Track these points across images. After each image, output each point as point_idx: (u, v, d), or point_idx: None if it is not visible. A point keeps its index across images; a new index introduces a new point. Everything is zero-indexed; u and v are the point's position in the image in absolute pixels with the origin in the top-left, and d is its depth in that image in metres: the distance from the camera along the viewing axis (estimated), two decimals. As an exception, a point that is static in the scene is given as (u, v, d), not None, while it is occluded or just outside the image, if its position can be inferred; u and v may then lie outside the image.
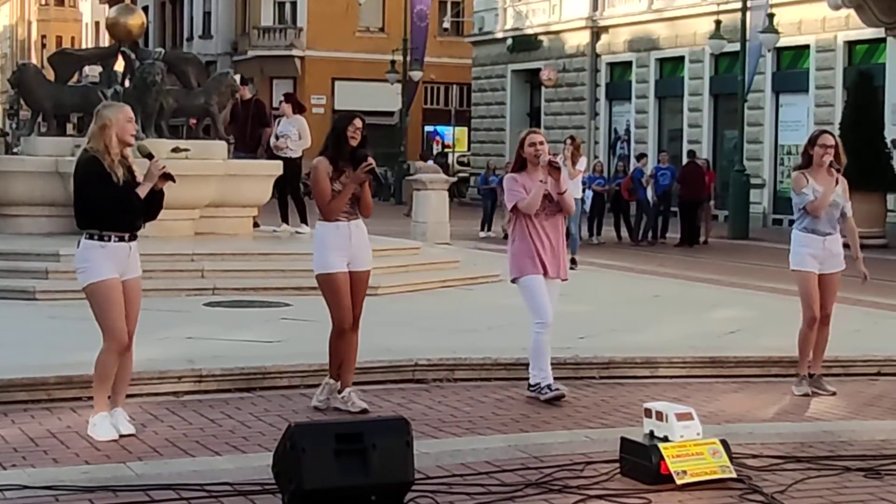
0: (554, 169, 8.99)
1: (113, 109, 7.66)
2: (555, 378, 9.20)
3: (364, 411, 8.41)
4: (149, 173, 7.66)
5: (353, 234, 8.50)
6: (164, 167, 7.66)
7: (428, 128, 58.14)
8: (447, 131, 57.22)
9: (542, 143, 9.13)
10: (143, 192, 7.58)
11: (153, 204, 7.75)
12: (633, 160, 32.30)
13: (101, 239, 7.57)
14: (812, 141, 9.80)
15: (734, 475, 6.79)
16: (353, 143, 8.41)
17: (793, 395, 9.69)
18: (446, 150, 57.01)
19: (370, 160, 8.40)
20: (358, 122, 8.46)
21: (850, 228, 9.91)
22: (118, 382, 7.80)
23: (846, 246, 9.84)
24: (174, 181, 7.71)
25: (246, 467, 6.87)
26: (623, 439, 7.02)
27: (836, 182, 9.71)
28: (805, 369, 9.84)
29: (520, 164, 9.21)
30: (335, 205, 8.40)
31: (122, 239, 7.61)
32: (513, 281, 9.29)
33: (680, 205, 27.70)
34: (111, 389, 7.75)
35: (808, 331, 9.81)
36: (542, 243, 9.09)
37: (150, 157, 7.76)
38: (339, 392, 8.59)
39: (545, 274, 9.10)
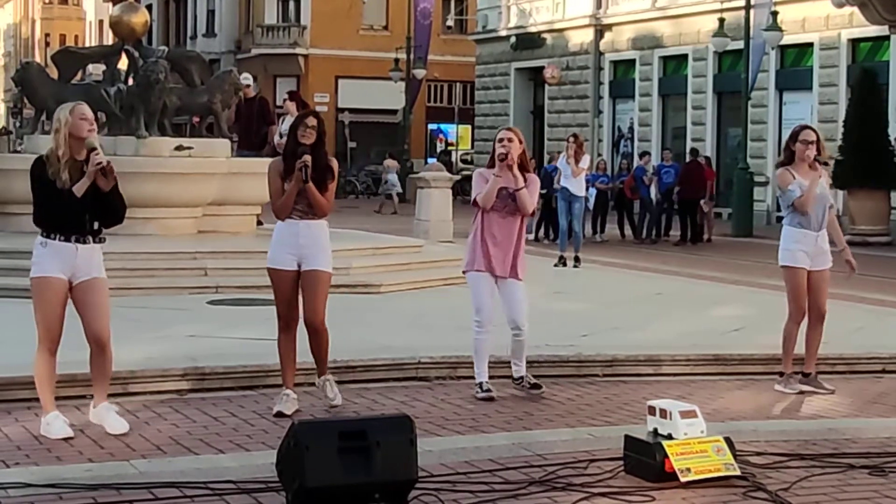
0: (503, 163, 8.99)
1: (64, 110, 7.57)
2: (558, 376, 9.20)
3: (279, 415, 8.25)
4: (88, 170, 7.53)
5: (301, 233, 8.44)
6: (100, 162, 7.44)
7: (431, 125, 58.12)
8: (450, 129, 57.24)
9: (510, 139, 9.12)
10: (78, 190, 7.44)
11: (107, 205, 7.60)
12: (636, 158, 32.31)
13: (46, 237, 7.59)
14: (794, 136, 9.81)
15: (738, 473, 6.78)
16: (305, 140, 8.33)
17: (782, 393, 9.64)
18: (450, 147, 57.05)
19: (305, 158, 8.29)
20: (310, 121, 8.41)
21: (832, 219, 9.86)
22: (94, 380, 7.77)
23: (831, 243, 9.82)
24: (107, 176, 7.43)
25: (249, 465, 6.86)
26: (627, 437, 7.01)
27: (820, 175, 9.70)
28: (791, 367, 9.80)
29: (492, 161, 9.25)
30: (282, 204, 8.41)
31: (67, 240, 7.55)
32: (463, 272, 9.40)
33: (679, 203, 27.63)
34: (94, 388, 7.76)
35: (794, 327, 9.78)
36: (493, 241, 9.10)
37: (92, 150, 7.52)
38: (319, 377, 8.60)
39: (491, 271, 9.09)
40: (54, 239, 7.56)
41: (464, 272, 9.38)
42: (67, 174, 7.48)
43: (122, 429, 7.64)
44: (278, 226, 8.54)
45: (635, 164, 30.04)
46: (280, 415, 8.22)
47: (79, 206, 7.50)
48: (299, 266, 8.43)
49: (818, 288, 9.75)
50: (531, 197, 9.17)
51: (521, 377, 9.29)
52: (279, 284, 8.48)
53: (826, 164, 9.77)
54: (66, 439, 7.44)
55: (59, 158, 7.48)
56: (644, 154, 31.49)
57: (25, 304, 12.22)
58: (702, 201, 28.10)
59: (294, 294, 8.47)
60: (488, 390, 9.07)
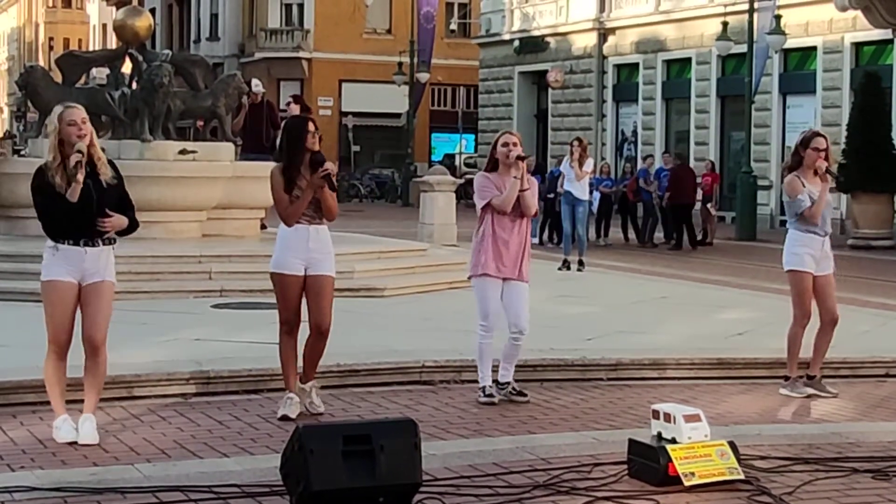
0: (520, 162, 9.00)
1: (53, 115, 7.57)
2: (563, 380, 9.20)
3: (285, 418, 8.26)
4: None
5: (311, 238, 8.43)
6: (75, 161, 7.38)
7: (435, 135, 57.90)
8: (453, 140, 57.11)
9: (515, 143, 9.13)
10: (71, 195, 7.42)
11: (119, 209, 7.65)
12: (639, 161, 32.24)
13: (54, 242, 7.61)
14: (805, 143, 9.68)
15: (742, 477, 6.78)
16: (314, 147, 8.35)
17: (788, 397, 9.64)
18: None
19: (327, 166, 8.31)
20: (312, 126, 8.42)
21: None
22: (86, 388, 7.74)
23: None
24: (78, 174, 7.38)
25: (254, 469, 6.87)
26: (631, 441, 7.01)
27: (827, 183, 9.69)
28: (796, 371, 9.79)
29: (492, 165, 9.23)
30: (293, 211, 8.36)
31: (75, 243, 7.57)
32: (469, 278, 9.33)
33: (669, 208, 27.38)
34: (85, 394, 7.73)
35: (799, 331, 9.77)
36: (504, 244, 9.09)
37: (79, 152, 7.47)
38: (307, 383, 8.56)
39: (504, 275, 9.09)
40: (63, 244, 7.57)
41: (470, 277, 9.32)
42: (62, 179, 7.47)
43: (92, 440, 7.51)
44: (285, 231, 8.46)
45: (639, 167, 29.96)
46: (285, 418, 8.23)
47: (81, 210, 7.49)
48: (305, 271, 8.44)
49: (825, 292, 9.75)
50: (533, 198, 9.20)
51: (508, 382, 9.23)
52: (286, 289, 8.45)
53: (835, 176, 9.72)
54: (72, 443, 7.45)
55: (51, 165, 7.49)
56: (647, 157, 31.43)
57: (30, 307, 12.28)
58: (708, 204, 28.04)
59: (300, 298, 8.48)
60: (491, 395, 9.07)
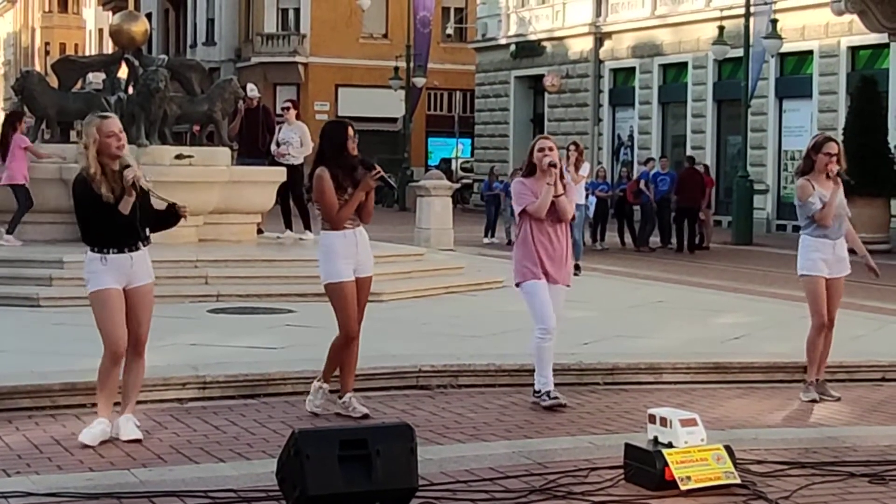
0: (552, 168, 9.04)
1: (91, 126, 7.59)
2: (559, 384, 9.19)
3: (366, 416, 8.42)
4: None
5: (358, 242, 8.52)
6: (132, 177, 7.50)
7: (431, 140, 57.95)
8: (450, 144, 57.19)
9: (551, 148, 9.16)
10: (124, 207, 7.51)
11: (161, 216, 7.86)
12: (636, 165, 32.24)
13: (100, 253, 7.65)
14: (817, 147, 9.71)
15: (738, 481, 6.78)
16: (355, 151, 8.42)
17: (801, 400, 9.67)
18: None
19: (378, 168, 8.40)
20: (351, 131, 8.49)
21: (849, 228, 9.88)
22: (126, 388, 7.83)
23: (851, 251, 9.84)
24: (138, 191, 7.52)
25: (250, 474, 6.87)
26: (627, 445, 7.01)
27: (839, 187, 9.69)
28: (814, 375, 9.82)
29: (529, 170, 9.24)
30: (344, 214, 8.41)
31: (120, 251, 7.64)
32: (517, 285, 9.31)
33: (677, 211, 27.51)
34: (124, 395, 7.82)
35: (816, 336, 9.78)
36: (545, 249, 9.09)
37: (126, 167, 7.56)
38: (340, 397, 8.60)
39: (548, 279, 9.10)
40: (108, 253, 7.63)
41: (518, 284, 9.25)
42: (108, 189, 7.52)
43: (138, 435, 7.67)
44: (331, 238, 8.46)
45: (640, 170, 29.94)
46: (366, 417, 8.39)
47: (131, 220, 7.59)
48: (354, 273, 8.49)
49: (832, 296, 9.78)
50: (570, 204, 9.24)
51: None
52: (348, 297, 8.44)
53: (846, 179, 9.72)
54: (85, 446, 7.46)
55: (94, 176, 7.51)
56: (649, 160, 31.30)
57: (26, 312, 12.31)
58: (708, 208, 28.10)
59: (357, 302, 8.50)
60: (556, 397, 9.04)
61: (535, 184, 9.14)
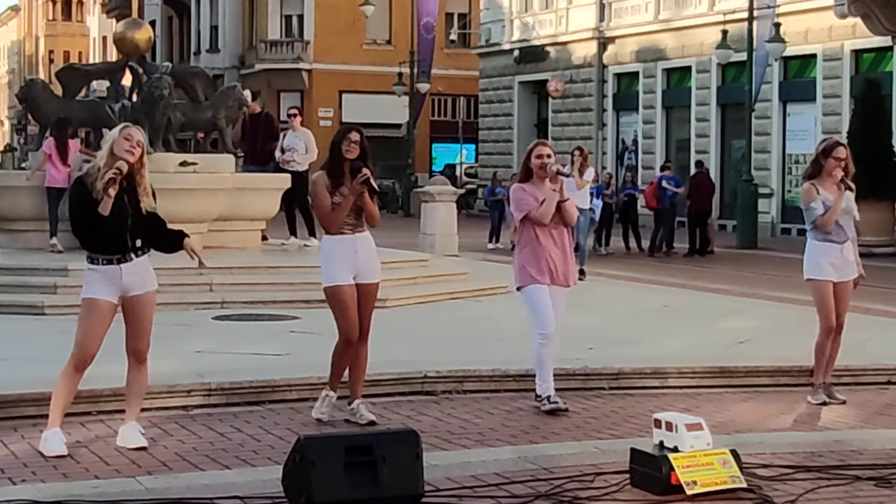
0: (561, 177, 9.05)
1: (116, 129, 7.65)
2: (564, 389, 9.19)
3: (372, 423, 8.41)
4: None
5: (358, 247, 8.50)
6: (110, 175, 7.41)
7: (436, 146, 57.89)
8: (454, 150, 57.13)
9: (549, 155, 9.16)
10: (103, 208, 7.42)
11: (162, 234, 7.81)
12: (640, 170, 32.22)
13: (92, 262, 7.65)
14: (826, 151, 9.71)
15: (744, 485, 6.77)
16: (349, 155, 8.38)
17: (809, 404, 9.66)
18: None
19: (365, 171, 8.35)
20: (354, 136, 8.44)
21: (852, 236, 9.88)
22: (129, 396, 7.82)
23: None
24: (110, 188, 7.42)
25: (256, 481, 6.86)
26: (633, 450, 7.00)
27: (845, 192, 9.68)
28: (822, 378, 9.81)
29: (526, 174, 9.24)
30: (335, 217, 8.40)
31: (110, 262, 7.60)
32: (518, 289, 9.31)
33: (689, 215, 27.61)
34: (128, 403, 7.80)
35: (825, 340, 9.79)
36: (550, 252, 9.10)
37: (119, 170, 7.51)
38: (349, 404, 8.60)
39: (552, 281, 9.10)
40: (98, 262, 7.61)
41: (519, 288, 9.26)
42: (100, 186, 7.49)
43: (143, 443, 7.67)
44: (330, 243, 8.49)
45: (657, 174, 29.93)
46: (373, 423, 8.37)
47: (114, 227, 7.51)
48: (355, 279, 8.47)
49: (840, 299, 9.78)
50: (573, 207, 9.27)
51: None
52: (346, 302, 8.44)
53: (848, 186, 9.71)
54: (59, 457, 7.41)
55: (97, 172, 7.50)
56: (666, 165, 30.92)
57: (31, 320, 12.31)
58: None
59: (356, 308, 8.49)
60: (556, 402, 9.04)
61: (533, 188, 9.14)
